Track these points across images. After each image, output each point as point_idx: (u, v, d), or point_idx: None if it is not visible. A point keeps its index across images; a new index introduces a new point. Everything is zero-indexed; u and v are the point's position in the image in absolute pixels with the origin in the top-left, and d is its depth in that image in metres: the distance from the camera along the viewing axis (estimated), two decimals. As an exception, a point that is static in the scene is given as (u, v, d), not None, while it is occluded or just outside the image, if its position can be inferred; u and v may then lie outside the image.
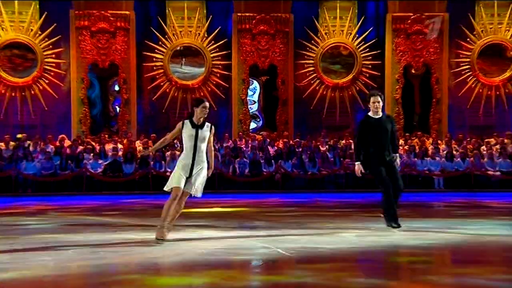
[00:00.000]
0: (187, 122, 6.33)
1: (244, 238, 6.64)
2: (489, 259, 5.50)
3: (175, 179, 6.23)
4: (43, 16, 18.22)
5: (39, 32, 18.27)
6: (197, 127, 6.29)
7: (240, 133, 18.74)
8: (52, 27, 18.13)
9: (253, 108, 19.79)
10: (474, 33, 19.23)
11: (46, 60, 18.37)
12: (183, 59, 19.04)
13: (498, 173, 16.59)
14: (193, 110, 6.35)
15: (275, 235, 6.75)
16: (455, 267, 5.17)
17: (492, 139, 18.03)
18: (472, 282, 4.30)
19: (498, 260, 5.48)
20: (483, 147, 17.49)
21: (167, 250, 5.74)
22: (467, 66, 19.29)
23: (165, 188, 6.29)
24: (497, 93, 19.30)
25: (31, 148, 16.82)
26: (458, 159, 16.83)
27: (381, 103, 7.18)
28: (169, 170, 16.42)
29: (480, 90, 19.31)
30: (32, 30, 18.30)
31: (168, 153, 16.82)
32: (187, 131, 6.28)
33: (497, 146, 17.49)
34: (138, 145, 17.67)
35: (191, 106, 6.49)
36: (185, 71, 19.06)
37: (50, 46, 18.34)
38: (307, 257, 5.41)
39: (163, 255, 5.50)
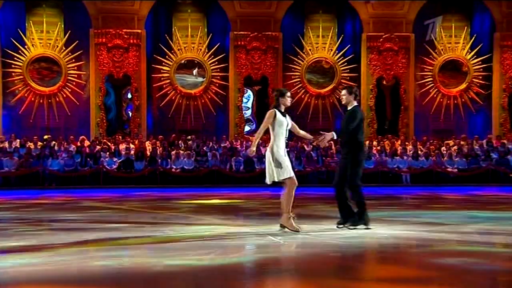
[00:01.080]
0: (276, 111, 5.88)
1: (239, 226, 6.74)
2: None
3: (288, 169, 5.77)
4: (67, 34, 18.25)
5: (64, 48, 18.29)
6: (285, 115, 5.92)
7: (236, 135, 18.83)
8: (75, 43, 18.16)
9: (247, 113, 19.88)
10: (436, 50, 19.43)
11: (69, 72, 18.38)
12: (196, 69, 19.11)
13: (455, 170, 16.76)
14: (279, 101, 5.93)
15: (267, 224, 6.83)
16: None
17: (451, 141, 18.21)
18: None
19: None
20: (443, 148, 17.64)
21: (179, 234, 5.83)
22: (430, 79, 19.48)
23: (277, 179, 5.78)
24: (455, 102, 19.51)
25: (55, 148, 16.83)
26: (423, 158, 16.98)
27: (343, 97, 6.30)
28: (174, 167, 16.54)
29: (441, 100, 19.51)
30: (57, 46, 18.32)
31: (173, 152, 16.89)
32: (279, 120, 5.84)
33: (455, 147, 17.66)
34: (148, 145, 17.72)
35: (276, 97, 6.00)
36: (198, 80, 19.10)
37: (73, 60, 18.37)
38: (295, 243, 5.52)
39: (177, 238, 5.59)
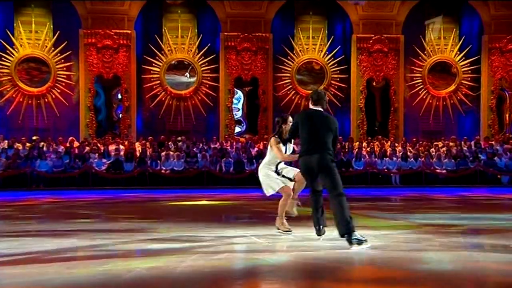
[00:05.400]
0: (278, 139, 5.93)
1: (225, 228, 6.68)
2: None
3: (278, 181, 5.97)
4: (56, 35, 18.05)
5: (53, 48, 18.09)
6: (285, 143, 5.97)
7: (226, 136, 18.74)
8: (64, 44, 17.97)
9: (238, 114, 19.81)
10: (425, 52, 19.48)
11: (58, 72, 18.20)
12: (188, 70, 19.01)
13: (444, 171, 16.80)
14: (281, 128, 5.96)
15: (254, 225, 6.78)
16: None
17: (440, 143, 18.25)
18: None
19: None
20: (432, 149, 17.68)
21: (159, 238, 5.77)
22: (420, 80, 19.52)
23: (273, 191, 6.01)
24: (444, 103, 19.58)
25: (44, 149, 16.66)
26: (412, 159, 17.00)
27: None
28: (164, 168, 16.44)
29: (430, 101, 19.55)
30: (46, 46, 18.12)
31: (163, 153, 16.78)
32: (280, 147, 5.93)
33: (444, 148, 17.69)
34: (138, 146, 17.60)
35: (279, 123, 6.01)
36: (190, 80, 18.99)
37: (62, 60, 18.17)
38: (279, 244, 5.47)
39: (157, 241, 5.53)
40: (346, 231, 5.10)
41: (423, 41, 19.48)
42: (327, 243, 5.45)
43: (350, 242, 5.07)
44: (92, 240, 5.68)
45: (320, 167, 5.35)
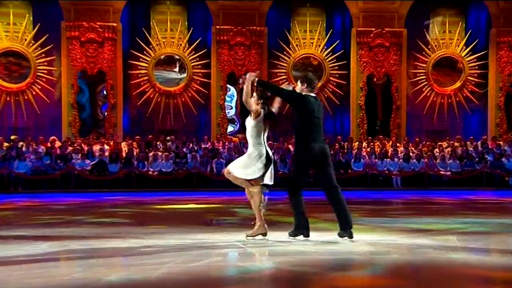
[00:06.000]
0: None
1: (209, 233, 6.61)
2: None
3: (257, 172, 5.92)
4: (36, 27, 17.95)
5: (33, 42, 17.99)
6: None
7: (218, 136, 18.68)
8: (45, 37, 17.87)
9: (231, 113, 19.74)
10: (429, 47, 19.45)
11: (39, 67, 18.10)
12: (178, 65, 18.94)
13: (448, 173, 16.75)
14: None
15: (240, 231, 6.71)
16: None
17: (444, 143, 18.22)
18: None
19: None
20: (436, 150, 17.65)
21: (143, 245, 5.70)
22: (423, 77, 19.49)
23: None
24: (449, 101, 19.54)
25: (23, 149, 16.56)
26: (414, 160, 16.95)
27: (298, 85, 5.95)
28: (152, 169, 16.36)
29: (434, 99, 19.53)
30: (26, 39, 18.02)
31: (151, 153, 16.70)
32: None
33: (449, 149, 17.67)
34: (124, 146, 17.52)
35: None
36: (180, 76, 18.91)
37: (43, 55, 18.07)
38: (263, 250, 5.40)
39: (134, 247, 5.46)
40: (352, 224, 5.69)
41: (427, 35, 19.43)
42: (311, 248, 5.43)
43: (352, 235, 5.66)
44: (63, 246, 5.61)
45: (324, 156, 5.71)
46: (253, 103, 5.95)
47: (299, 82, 5.95)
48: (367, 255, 5.17)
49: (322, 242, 5.74)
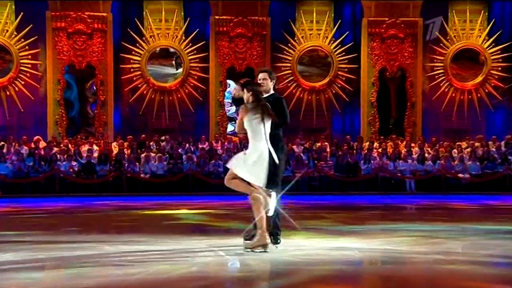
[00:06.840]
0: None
1: (194, 241, 6.57)
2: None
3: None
4: (19, 17, 17.98)
5: (15, 33, 18.04)
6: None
7: (217, 135, 18.63)
8: (28, 28, 17.90)
9: (231, 110, 19.65)
10: (448, 38, 19.29)
11: (22, 61, 18.12)
12: (175, 60, 18.93)
13: (467, 176, 16.56)
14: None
15: (229, 238, 6.65)
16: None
17: (464, 143, 18.06)
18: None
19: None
20: (454, 150, 17.48)
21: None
22: (441, 71, 19.32)
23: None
24: (470, 97, 19.37)
25: (4, 150, 16.57)
26: (430, 161, 16.79)
27: (268, 81, 6.15)
28: (143, 172, 16.31)
29: (453, 95, 19.36)
30: (7, 31, 18.07)
31: (143, 155, 16.66)
32: None
33: (468, 149, 17.50)
34: (114, 146, 17.50)
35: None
36: (177, 71, 18.90)
37: (26, 47, 18.10)
38: (246, 260, 5.32)
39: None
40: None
41: (446, 25, 19.26)
42: (300, 256, 5.41)
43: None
44: (33, 256, 5.59)
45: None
46: (241, 112, 5.83)
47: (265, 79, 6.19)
48: (354, 265, 5.10)
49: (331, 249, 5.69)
